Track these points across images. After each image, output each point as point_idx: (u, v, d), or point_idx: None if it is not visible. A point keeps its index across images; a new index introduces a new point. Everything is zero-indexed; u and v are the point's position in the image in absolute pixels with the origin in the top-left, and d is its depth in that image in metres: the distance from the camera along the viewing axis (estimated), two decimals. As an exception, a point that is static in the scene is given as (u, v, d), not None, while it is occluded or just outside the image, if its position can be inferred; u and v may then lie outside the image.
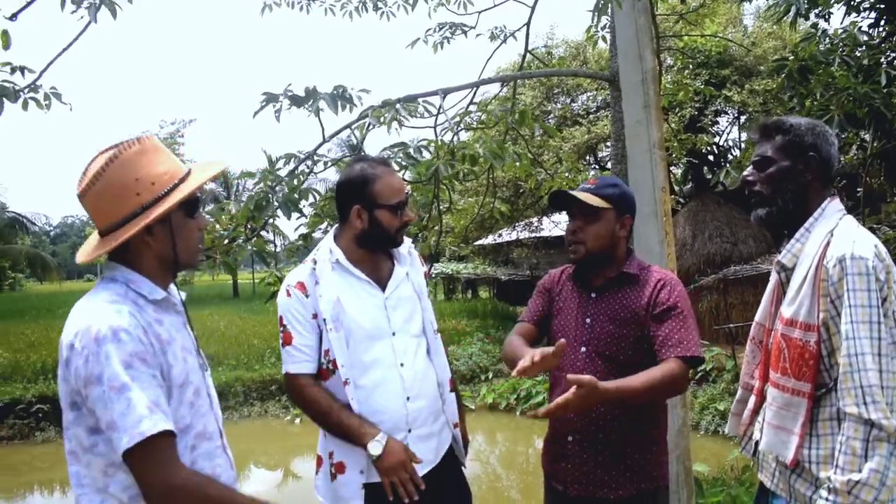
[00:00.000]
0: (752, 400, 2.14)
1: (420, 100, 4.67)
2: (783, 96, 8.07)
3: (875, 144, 6.81)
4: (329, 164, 4.83)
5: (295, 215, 4.23)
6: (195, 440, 1.80)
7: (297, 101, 3.96)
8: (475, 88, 5.01)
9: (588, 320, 2.47)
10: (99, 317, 1.65)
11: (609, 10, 4.76)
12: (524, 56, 6.27)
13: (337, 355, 2.36)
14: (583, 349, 2.45)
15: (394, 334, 2.46)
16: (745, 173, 2.11)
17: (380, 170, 2.46)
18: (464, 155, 3.91)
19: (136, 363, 1.62)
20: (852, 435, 1.75)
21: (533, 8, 5.91)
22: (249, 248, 3.98)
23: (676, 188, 19.93)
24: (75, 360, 1.63)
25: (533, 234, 21.34)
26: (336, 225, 2.59)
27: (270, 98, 3.99)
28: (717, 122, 16.05)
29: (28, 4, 3.19)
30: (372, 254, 2.51)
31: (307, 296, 2.40)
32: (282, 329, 2.42)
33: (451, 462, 2.57)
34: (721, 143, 18.40)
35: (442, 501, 2.49)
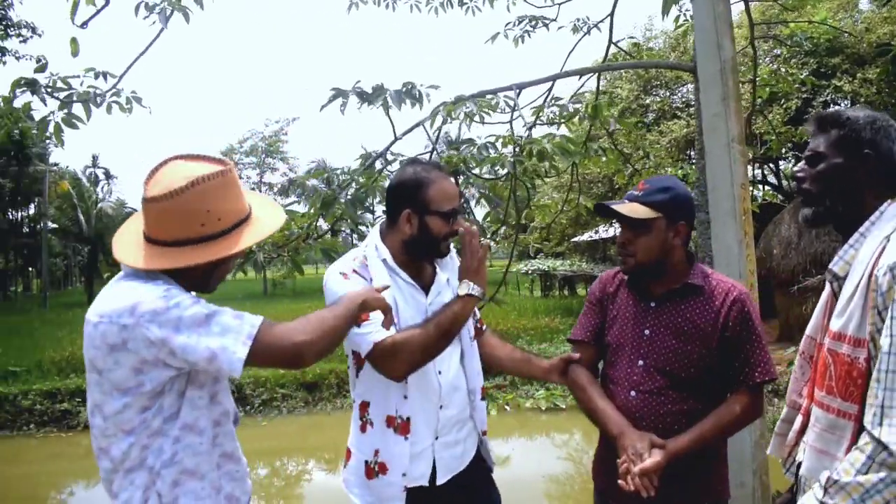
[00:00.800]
0: (799, 420, 1.96)
1: (501, 94, 4.62)
2: (892, 83, 7.56)
3: None
4: (405, 161, 4.84)
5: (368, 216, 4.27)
6: (221, 417, 1.91)
7: (364, 97, 3.98)
8: (553, 83, 4.91)
9: (647, 332, 2.33)
10: (151, 294, 1.72)
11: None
12: (608, 48, 6.10)
13: None
14: (640, 363, 2.32)
15: None
16: (795, 169, 1.94)
17: (434, 174, 2.37)
18: (531, 150, 3.83)
19: (198, 318, 1.72)
20: (861, 447, 1.60)
21: (616, -2, 5.75)
22: (319, 246, 4.03)
23: (785, 183, 19.03)
24: (137, 332, 1.69)
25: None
26: (381, 222, 2.53)
27: (339, 94, 4.04)
28: (811, 122, 15.20)
29: (98, 12, 3.34)
30: (417, 258, 2.44)
31: (365, 280, 2.31)
32: None
33: (479, 466, 2.53)
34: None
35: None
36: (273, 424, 12.64)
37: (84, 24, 3.39)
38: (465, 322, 2.33)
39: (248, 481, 2.04)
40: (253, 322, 1.75)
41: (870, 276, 1.70)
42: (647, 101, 17.45)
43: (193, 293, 1.88)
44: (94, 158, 36.39)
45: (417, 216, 2.33)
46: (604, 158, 5.60)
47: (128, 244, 1.90)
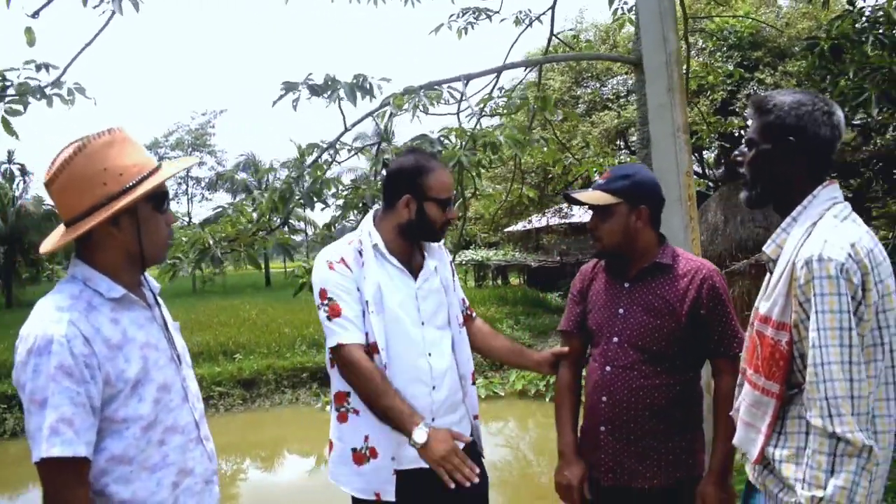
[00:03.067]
0: (744, 384, 2.04)
1: (444, 86, 4.65)
2: (815, 77, 7.92)
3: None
4: (353, 153, 4.82)
5: (320, 205, 4.25)
6: (163, 434, 1.79)
7: (315, 90, 3.96)
8: (499, 74, 4.96)
9: (621, 311, 2.46)
10: (39, 324, 1.65)
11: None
12: (549, 40, 6.20)
13: (378, 339, 2.35)
14: (615, 339, 2.44)
15: (423, 324, 2.47)
16: (735, 152, 2.01)
17: (433, 164, 2.49)
18: (485, 143, 3.88)
19: (59, 377, 1.60)
20: (818, 448, 1.65)
21: (557, -9, 5.85)
22: (274, 240, 4.00)
23: (708, 172, 19.64)
24: (16, 366, 1.66)
25: (563, 220, 21.20)
26: (375, 208, 2.60)
27: (289, 87, 4.00)
28: (749, 106, 15.76)
29: (49, 2, 3.22)
30: (408, 244, 2.51)
31: (350, 270, 2.38)
32: (326, 302, 2.36)
33: (471, 451, 2.58)
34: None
35: (455, 492, 2.48)
36: (210, 423, 12.40)
37: (35, 14, 3.27)
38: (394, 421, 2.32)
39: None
40: (46, 451, 1.58)
41: (793, 263, 1.76)
42: (579, 93, 17.75)
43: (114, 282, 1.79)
44: (10, 154, 34.81)
45: (416, 202, 2.43)
46: (545, 148, 5.70)
47: (51, 236, 1.84)
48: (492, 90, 4.99)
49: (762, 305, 1.88)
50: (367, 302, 2.37)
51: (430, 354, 2.45)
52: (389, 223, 2.49)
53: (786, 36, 14.10)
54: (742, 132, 16.61)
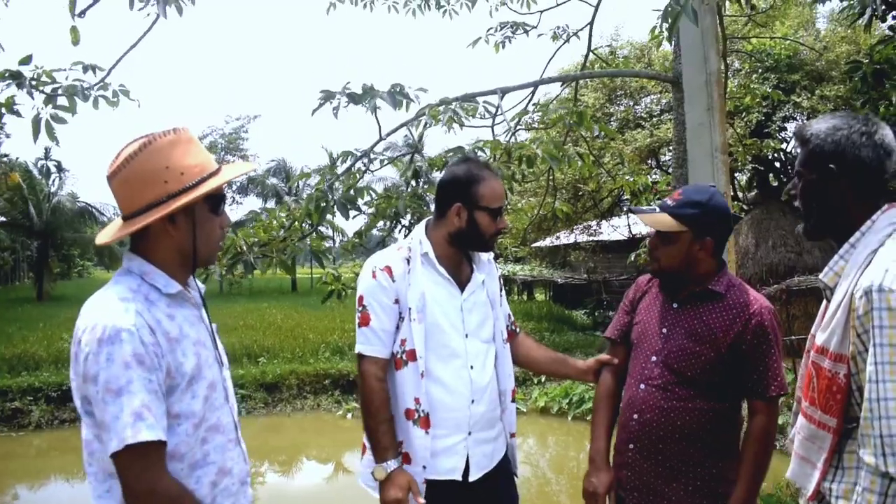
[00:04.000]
0: (799, 416, 1.98)
1: (479, 99, 4.66)
2: (855, 102, 7.82)
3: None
4: (386, 162, 4.85)
5: (353, 213, 4.26)
6: (207, 433, 1.81)
7: (354, 98, 3.98)
8: (535, 88, 4.97)
9: (665, 330, 2.42)
10: (106, 315, 1.66)
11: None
12: (586, 56, 6.20)
13: (417, 346, 2.38)
14: (653, 358, 2.41)
15: (466, 336, 2.48)
16: (788, 185, 1.97)
17: (485, 173, 2.49)
18: (521, 156, 3.87)
19: (134, 365, 1.62)
20: (868, 487, 1.60)
21: (597, 7, 5.84)
22: (306, 246, 4.02)
23: (741, 195, 19.47)
24: (80, 357, 1.66)
25: (591, 238, 21.09)
26: (427, 218, 2.62)
27: (328, 96, 4.03)
28: (784, 129, 15.58)
29: (96, 2, 3.28)
30: (458, 254, 2.52)
31: (393, 280, 2.41)
32: (360, 308, 2.42)
33: (505, 469, 2.59)
34: (789, 151, 17.90)
35: None
36: (233, 425, 12.45)
37: (82, 14, 3.33)
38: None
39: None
40: (132, 437, 1.59)
41: (852, 293, 1.69)
42: (612, 110, 17.68)
43: (173, 281, 1.81)
44: (47, 151, 35.43)
45: (467, 211, 2.44)
46: (580, 163, 5.69)
47: (108, 228, 1.88)
48: (527, 105, 5.00)
49: (819, 336, 1.81)
50: (409, 309, 2.39)
51: (472, 367, 2.45)
52: (440, 232, 2.50)
53: (824, 60, 13.95)
54: (775, 155, 16.45)
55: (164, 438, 1.64)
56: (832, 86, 13.48)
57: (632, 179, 6.25)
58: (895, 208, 1.79)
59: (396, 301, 2.41)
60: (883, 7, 5.82)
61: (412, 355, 2.38)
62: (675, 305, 2.45)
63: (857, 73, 5.29)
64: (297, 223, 4.18)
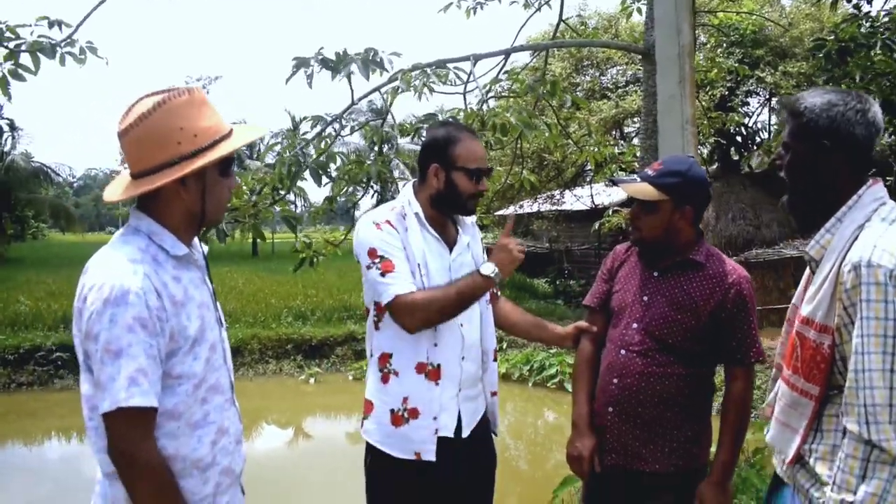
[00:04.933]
0: (780, 384, 2.04)
1: (450, 65, 4.63)
2: (817, 79, 7.97)
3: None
4: (357, 127, 4.82)
5: (324, 179, 4.24)
6: (207, 393, 1.83)
7: (328, 65, 3.93)
8: (507, 56, 4.96)
9: (646, 298, 2.48)
10: (114, 275, 1.66)
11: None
12: (557, 25, 6.19)
13: None
14: (634, 325, 2.47)
15: None
16: (774, 156, 2.00)
17: (464, 134, 2.50)
18: (494, 123, 3.88)
19: (137, 328, 1.63)
20: (851, 453, 1.65)
21: (569, -23, 5.82)
22: (276, 212, 3.99)
23: (703, 168, 19.70)
24: (84, 314, 1.66)
25: (554, 207, 21.22)
26: (413, 181, 2.62)
27: (301, 63, 3.98)
28: (747, 103, 15.80)
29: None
30: (442, 216, 2.54)
31: (397, 231, 2.42)
32: (377, 260, 2.36)
33: (485, 427, 2.65)
34: (750, 125, 18.15)
35: (472, 464, 2.56)
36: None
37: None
38: (482, 296, 2.46)
39: None
40: (124, 400, 1.61)
41: (839, 266, 1.74)
42: (578, 80, 17.69)
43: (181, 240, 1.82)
44: (-1, 108, 34.32)
45: (444, 171, 2.45)
46: (547, 133, 5.71)
47: (114, 185, 1.86)
48: (499, 73, 4.99)
49: (804, 307, 1.86)
50: (418, 265, 2.41)
51: (461, 325, 2.49)
52: (423, 195, 2.51)
53: (788, 36, 14.12)
54: (737, 129, 16.67)
55: (156, 405, 1.67)
56: (795, 62, 13.67)
57: (598, 150, 6.28)
58: (879, 183, 1.83)
59: (404, 249, 2.42)
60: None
61: None
62: (655, 274, 2.51)
63: (822, 50, 5.38)
64: (266, 188, 4.14)
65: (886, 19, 5.53)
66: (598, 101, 16.49)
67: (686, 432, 2.44)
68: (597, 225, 12.43)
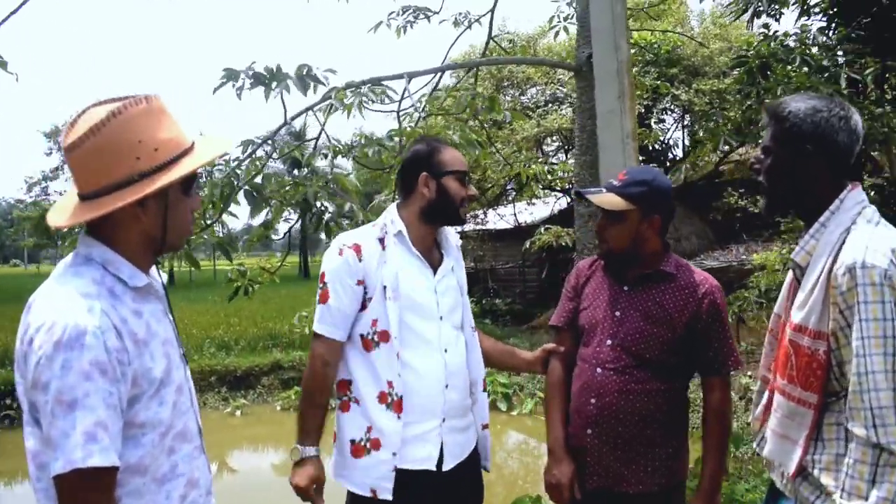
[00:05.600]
0: (766, 395, 2.03)
1: (385, 83, 4.54)
2: (734, 96, 8.24)
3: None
4: (291, 149, 4.65)
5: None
6: (174, 441, 1.61)
7: (260, 79, 3.78)
8: (441, 73, 4.90)
9: (618, 313, 2.42)
10: (66, 313, 1.43)
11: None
12: (487, 43, 6.19)
13: (391, 326, 2.31)
14: (608, 342, 2.41)
15: (441, 318, 2.42)
16: (752, 159, 1.98)
17: (443, 143, 2.52)
18: (435, 141, 3.79)
19: (95, 375, 1.41)
20: (860, 458, 1.63)
21: (497, -6, 5.83)
22: (207, 238, 3.79)
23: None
24: (31, 358, 1.43)
25: (478, 227, 21.32)
26: (396, 202, 2.56)
27: (231, 75, 3.82)
28: (663, 120, 16.28)
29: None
30: (430, 235, 2.48)
31: (361, 259, 2.35)
32: (321, 286, 2.37)
33: (474, 462, 2.54)
34: (665, 141, 18.69)
35: (454, 501, 2.44)
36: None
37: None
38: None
39: None
40: (81, 460, 1.37)
41: (829, 271, 1.73)
42: (499, 100, 17.86)
43: (138, 270, 1.60)
44: None
45: (434, 179, 2.40)
46: (477, 151, 5.68)
47: (60, 208, 1.62)
48: (433, 90, 4.93)
49: (796, 315, 1.83)
50: (384, 287, 2.32)
51: (445, 351, 2.40)
52: (411, 210, 2.44)
53: (699, 55, 14.63)
54: (654, 146, 17.13)
55: (118, 464, 1.43)
56: (707, 80, 14.16)
57: (527, 167, 6.28)
58: (858, 187, 1.84)
59: (360, 282, 2.33)
60: (768, 4, 6.13)
61: (384, 336, 2.31)
62: (625, 288, 2.45)
63: (745, 66, 5.52)
64: (196, 213, 3.93)
65: (800, 36, 5.74)
66: (518, 120, 16.68)
67: (667, 449, 2.39)
68: (528, 243, 12.50)
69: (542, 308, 16.66)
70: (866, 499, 1.60)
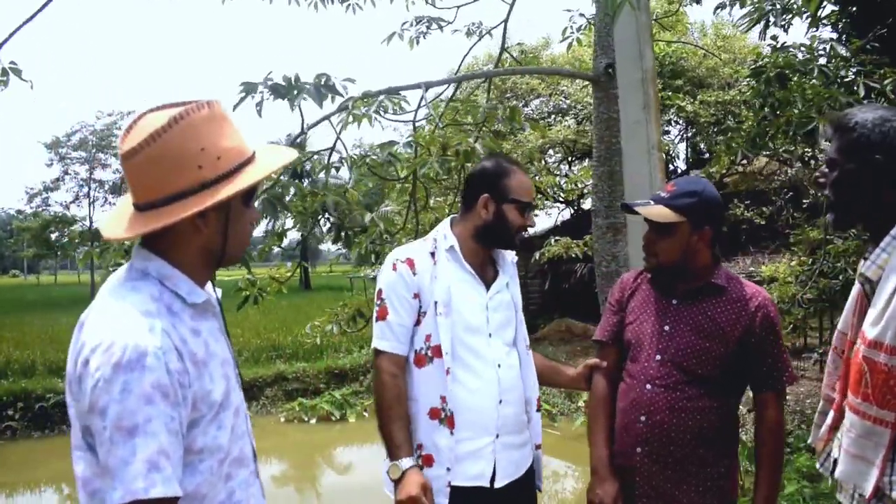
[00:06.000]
0: (831, 415, 1.97)
1: (402, 93, 4.49)
2: (749, 107, 8.22)
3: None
4: (305, 158, 4.59)
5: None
6: (231, 468, 1.53)
7: (279, 91, 3.73)
8: (458, 84, 4.86)
9: (667, 328, 2.35)
10: (125, 333, 1.34)
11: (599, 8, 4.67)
12: (500, 53, 6.16)
13: (443, 342, 2.28)
14: (658, 357, 2.34)
15: (490, 336, 2.38)
16: (816, 173, 1.93)
17: (515, 166, 2.46)
18: (457, 151, 3.74)
19: (156, 399, 1.32)
20: None
21: (512, 4, 5.81)
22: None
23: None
24: (87, 381, 1.34)
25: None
26: (452, 216, 2.54)
27: (249, 88, 3.77)
28: (668, 132, 16.24)
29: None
30: (483, 251, 2.44)
31: (415, 273, 2.32)
32: (379, 302, 2.35)
33: (529, 481, 2.49)
34: (669, 153, 18.64)
35: None
36: (52, 445, 11.79)
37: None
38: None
39: None
40: (144, 490, 1.29)
41: None
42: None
43: (197, 284, 1.52)
44: None
45: (495, 203, 2.37)
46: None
47: (114, 218, 1.54)
48: (449, 100, 4.88)
49: (870, 330, 1.76)
50: (435, 303, 2.30)
51: (499, 366, 2.36)
52: (466, 227, 2.42)
53: (704, 66, 14.61)
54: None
55: (181, 493, 1.35)
56: (712, 91, 14.13)
57: (539, 178, 6.23)
58: None
59: (416, 296, 2.31)
60: (781, 14, 6.10)
61: (437, 351, 2.28)
62: (674, 302, 2.39)
63: (762, 75, 5.48)
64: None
65: (808, 45, 5.71)
66: (522, 131, 16.65)
67: (719, 468, 2.32)
68: (537, 255, 12.44)
69: (546, 319, 16.58)
70: None
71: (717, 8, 6.60)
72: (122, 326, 1.36)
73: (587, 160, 15.90)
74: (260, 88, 3.76)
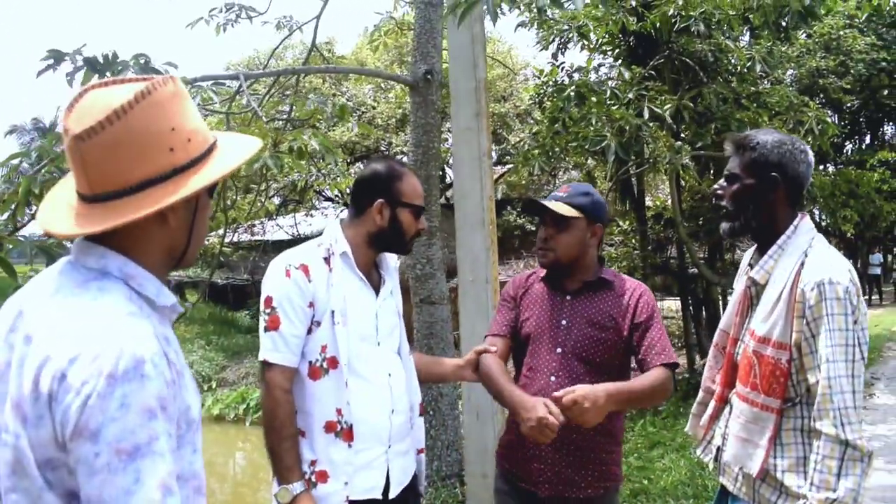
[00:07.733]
0: (713, 405, 2.19)
1: (206, 85, 4.26)
2: (538, 121, 8.76)
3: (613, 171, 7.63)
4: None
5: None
6: (196, 496, 1.28)
7: (94, 66, 3.38)
8: (277, 77, 4.70)
9: (564, 322, 2.46)
10: (115, 337, 1.12)
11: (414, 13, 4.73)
12: (310, 51, 6.03)
13: (341, 353, 2.14)
14: (558, 350, 2.43)
15: (379, 344, 2.28)
16: (715, 186, 2.16)
17: (406, 169, 2.36)
18: (291, 147, 3.59)
19: (158, 413, 1.11)
20: (828, 454, 1.81)
21: (325, 1, 5.71)
22: (27, 239, 3.26)
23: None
24: (66, 399, 1.08)
25: (255, 238, 20.60)
26: (339, 218, 2.40)
27: (57, 57, 3.39)
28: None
29: None
30: (373, 257, 2.33)
31: (310, 280, 2.14)
32: (268, 311, 2.16)
33: (414, 487, 2.42)
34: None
35: None
36: None
37: None
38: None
39: None
40: None
41: (792, 287, 1.93)
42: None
43: (160, 286, 1.28)
44: None
45: (390, 208, 2.26)
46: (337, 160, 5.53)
47: (55, 211, 1.26)
48: (269, 92, 4.70)
49: (759, 328, 1.99)
50: (332, 312, 2.15)
51: (389, 375, 2.28)
52: (359, 231, 2.28)
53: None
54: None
55: None
56: (490, 104, 14.94)
57: (341, 180, 6.21)
58: (807, 217, 2.07)
59: (311, 305, 2.14)
60: (576, 38, 6.62)
61: (333, 363, 2.14)
62: (568, 297, 2.51)
63: (563, 93, 5.90)
64: (15, 213, 3.37)
65: (605, 71, 6.29)
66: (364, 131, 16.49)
67: (611, 454, 2.47)
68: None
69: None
70: (835, 490, 1.79)
71: (518, 26, 6.98)
72: (108, 331, 1.13)
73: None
74: (73, 58, 3.40)
